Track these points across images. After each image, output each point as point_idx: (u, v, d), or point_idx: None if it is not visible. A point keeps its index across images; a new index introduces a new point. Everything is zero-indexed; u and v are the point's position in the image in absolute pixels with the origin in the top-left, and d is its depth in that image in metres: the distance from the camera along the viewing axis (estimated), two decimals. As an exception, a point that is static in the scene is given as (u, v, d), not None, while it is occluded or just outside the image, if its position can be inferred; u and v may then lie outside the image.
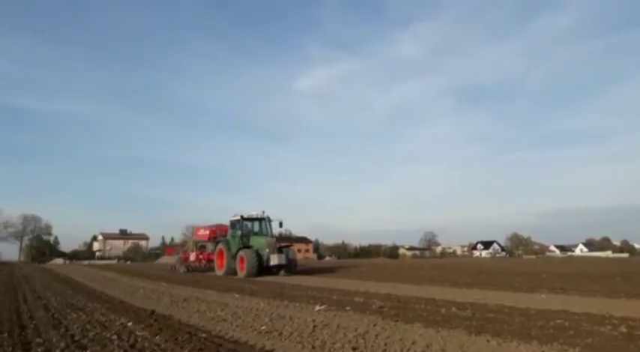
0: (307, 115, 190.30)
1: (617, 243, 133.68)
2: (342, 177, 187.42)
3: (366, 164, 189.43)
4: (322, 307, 9.66)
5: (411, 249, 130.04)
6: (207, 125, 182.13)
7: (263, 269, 22.59)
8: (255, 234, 25.16)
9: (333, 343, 6.21)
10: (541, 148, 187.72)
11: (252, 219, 25.64)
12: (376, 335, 6.57)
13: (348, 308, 9.63)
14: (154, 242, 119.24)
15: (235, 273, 23.38)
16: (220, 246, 25.41)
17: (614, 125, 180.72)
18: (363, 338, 6.41)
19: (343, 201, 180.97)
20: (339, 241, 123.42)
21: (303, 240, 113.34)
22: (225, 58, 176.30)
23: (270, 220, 25.27)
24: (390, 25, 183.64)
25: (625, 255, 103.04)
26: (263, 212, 25.37)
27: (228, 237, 25.44)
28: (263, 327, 7.50)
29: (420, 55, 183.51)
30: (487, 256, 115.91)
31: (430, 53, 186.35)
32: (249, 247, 23.52)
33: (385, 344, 6.03)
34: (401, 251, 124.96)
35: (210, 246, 29.38)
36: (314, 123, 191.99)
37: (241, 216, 25.04)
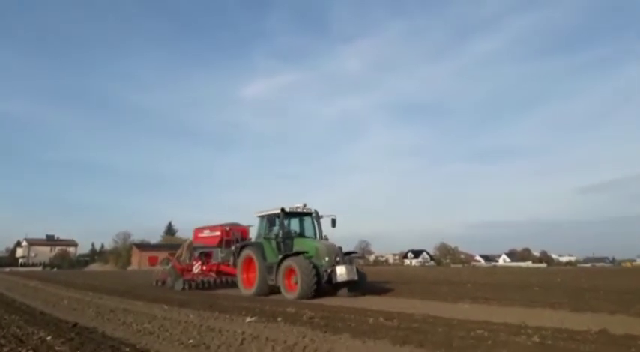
0: (252, 124, 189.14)
1: (536, 253, 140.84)
2: (285, 186, 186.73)
3: (309, 173, 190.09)
4: (253, 318, 9.62)
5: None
6: (146, 129, 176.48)
7: (322, 286, 15.06)
8: (300, 235, 17.54)
9: (261, 356, 6.22)
10: (472, 162, 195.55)
11: (295, 214, 17.76)
12: (304, 347, 6.63)
13: (279, 319, 9.64)
14: (83, 248, 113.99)
15: (271, 291, 16.30)
16: (248, 252, 17.36)
17: (537, 143, 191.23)
18: (291, 351, 6.46)
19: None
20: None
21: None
22: (170, 63, 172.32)
23: (319, 216, 17.63)
24: (334, 40, 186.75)
25: (543, 265, 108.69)
26: (305, 205, 17.51)
27: (257, 239, 17.73)
28: (190, 341, 7.37)
29: (362, 70, 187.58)
30: (417, 264, 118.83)
31: (371, 69, 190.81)
32: (294, 255, 15.64)
33: (312, 357, 6.10)
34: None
35: (219, 254, 21.79)
36: (259, 132, 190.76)
37: (282, 210, 16.83)
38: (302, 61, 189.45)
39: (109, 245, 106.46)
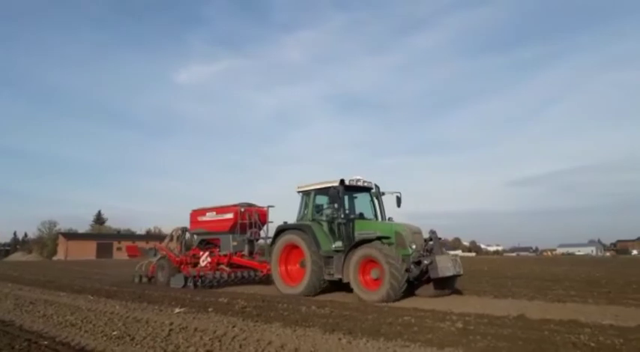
0: (190, 110, 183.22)
1: (466, 243, 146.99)
2: (225, 175, 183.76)
3: (251, 163, 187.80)
4: (182, 309, 9.41)
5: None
6: (68, 111, 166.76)
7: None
8: (361, 217, 13.38)
9: (187, 347, 6.09)
10: (410, 156, 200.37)
11: (356, 189, 13.65)
12: (233, 337, 6.55)
13: (210, 309, 9.49)
14: (4, 237, 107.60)
15: (317, 289, 12.56)
16: (291, 238, 13.25)
17: (470, 138, 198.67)
18: (220, 341, 6.36)
19: (224, 200, 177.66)
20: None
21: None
22: (103, 44, 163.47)
23: (380, 193, 13.85)
24: (276, 28, 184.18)
25: (472, 254, 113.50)
26: (360, 180, 13.47)
27: (303, 221, 13.50)
28: (115, 332, 7.11)
29: (303, 60, 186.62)
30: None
31: (313, 60, 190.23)
32: (364, 242, 11.64)
33: (240, 346, 6.03)
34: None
35: (230, 242, 17.08)
36: (197, 119, 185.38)
37: (342, 181, 12.82)
38: (241, 48, 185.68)
39: (33, 234, 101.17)
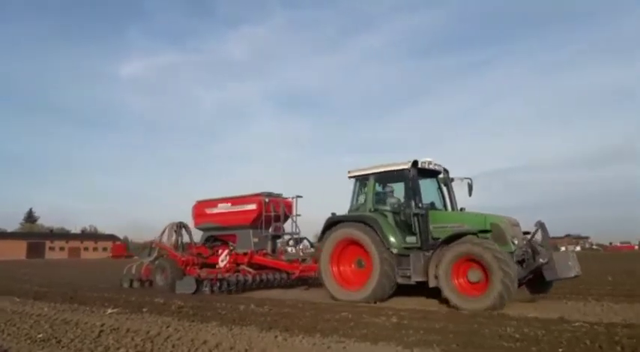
0: (131, 105, 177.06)
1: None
2: (165, 172, 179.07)
3: (193, 160, 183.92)
4: (115, 310, 9.11)
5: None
6: (4, 105, 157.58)
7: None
8: (433, 208, 11.05)
9: (117, 348, 5.90)
10: (355, 154, 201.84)
11: (422, 173, 11.06)
12: (167, 337, 6.40)
13: (144, 309, 9.24)
14: None
15: (386, 294, 10.37)
16: (350, 232, 10.91)
17: (414, 137, 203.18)
18: (152, 341, 6.20)
19: (164, 196, 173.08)
20: (151, 238, 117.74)
21: (111, 238, 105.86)
22: (41, 35, 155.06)
23: (449, 178, 11.59)
24: (219, 23, 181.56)
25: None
26: (431, 162, 11.16)
27: (361, 212, 11.20)
28: (40, 335, 6.78)
29: (248, 56, 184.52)
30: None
31: (258, 56, 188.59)
32: (455, 238, 9.61)
33: (173, 346, 5.91)
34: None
35: (250, 238, 14.57)
36: (138, 114, 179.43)
37: (415, 163, 10.67)
38: (184, 42, 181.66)
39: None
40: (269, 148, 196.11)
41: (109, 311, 9.02)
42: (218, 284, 12.90)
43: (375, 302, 9.97)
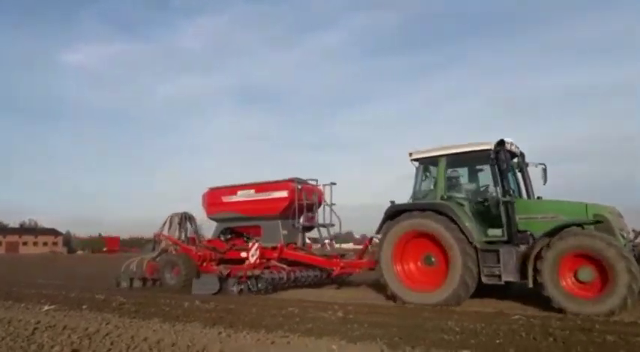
0: (78, 94, 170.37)
1: (357, 236, 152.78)
2: (112, 165, 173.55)
3: (142, 152, 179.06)
4: (52, 307, 8.75)
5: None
6: None
7: None
8: (512, 192, 9.42)
9: (52, 346, 5.65)
10: (311, 150, 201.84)
11: (512, 154, 9.62)
12: (106, 334, 6.20)
13: (84, 306, 8.91)
14: None
15: (468, 295, 8.81)
16: (421, 224, 9.27)
17: (365, 136, 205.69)
18: (89, 339, 5.98)
19: (108, 190, 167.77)
20: (95, 233, 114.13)
21: (53, 232, 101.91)
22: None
23: (525, 163, 10.07)
24: (175, 13, 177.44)
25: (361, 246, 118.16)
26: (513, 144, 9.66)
27: (429, 199, 9.78)
28: (-32, 334, 6.42)
29: (204, 49, 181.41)
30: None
31: (214, 49, 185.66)
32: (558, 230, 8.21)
33: (112, 343, 5.73)
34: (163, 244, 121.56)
35: (278, 229, 12.91)
36: (86, 104, 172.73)
37: (502, 142, 9.17)
38: (138, 32, 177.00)
39: None
40: (225, 142, 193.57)
41: (46, 308, 8.66)
42: (248, 283, 11.30)
43: (457, 305, 8.62)
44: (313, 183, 13.58)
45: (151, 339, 5.89)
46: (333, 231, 13.76)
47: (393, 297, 9.03)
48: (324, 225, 13.61)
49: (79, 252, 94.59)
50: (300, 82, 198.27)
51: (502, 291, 9.41)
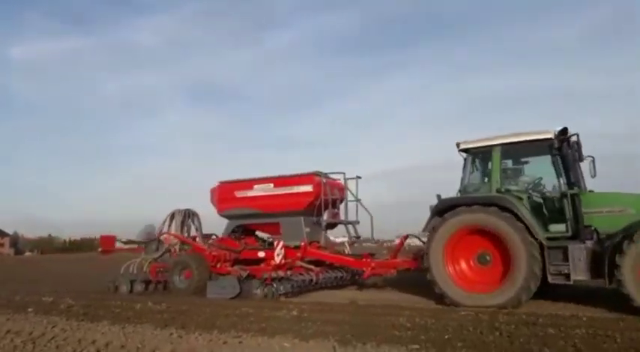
0: (23, 89, 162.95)
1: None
2: (57, 163, 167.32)
3: (91, 150, 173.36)
4: (-6, 311, 8.40)
5: (129, 242, 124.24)
6: None
7: None
8: (574, 185, 8.60)
9: (-7, 351, 5.46)
10: (268, 150, 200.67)
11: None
12: (52, 338, 6.02)
13: (30, 309, 8.59)
14: None
15: (529, 296, 8.06)
16: (478, 219, 8.53)
17: (323, 135, 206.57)
18: (34, 342, 5.80)
19: (54, 189, 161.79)
20: (45, 234, 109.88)
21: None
22: None
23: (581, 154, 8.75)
24: (127, 8, 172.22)
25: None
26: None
27: (481, 192, 9.08)
28: None
29: (158, 45, 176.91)
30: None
31: (169, 45, 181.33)
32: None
33: (57, 347, 5.58)
34: (117, 245, 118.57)
35: (301, 226, 11.93)
36: (31, 99, 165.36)
37: (563, 131, 8.59)
38: (87, 26, 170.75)
39: None
40: (178, 141, 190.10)
41: (-14, 312, 8.30)
42: (274, 285, 10.21)
43: (517, 307, 7.88)
44: (338, 176, 12.58)
45: (99, 342, 5.77)
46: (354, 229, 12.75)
47: (444, 300, 8.38)
48: (348, 222, 12.64)
49: (28, 254, 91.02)
50: (257, 80, 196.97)
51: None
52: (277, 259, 11.12)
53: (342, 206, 12.84)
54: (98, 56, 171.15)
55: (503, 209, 8.20)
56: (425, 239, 9.34)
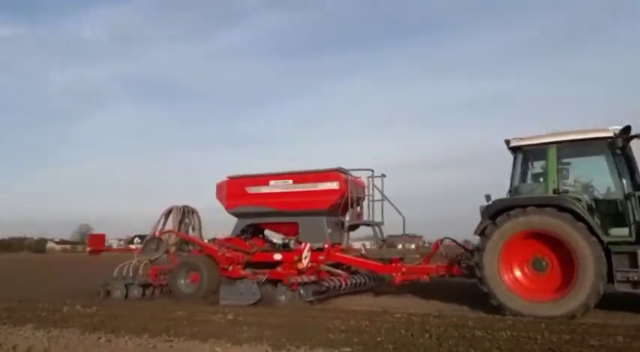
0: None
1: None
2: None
3: (23, 146, 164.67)
4: None
5: (62, 242, 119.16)
6: None
7: None
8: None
9: None
10: (220, 147, 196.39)
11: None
12: (-33, 343, 5.69)
13: (-54, 313, 8.07)
14: None
15: (595, 303, 7.55)
16: (541, 222, 7.91)
17: (277, 135, 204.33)
18: (-55, 349, 5.46)
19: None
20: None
21: None
22: None
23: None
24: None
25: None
26: None
27: (535, 193, 8.56)
28: None
29: (104, 38, 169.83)
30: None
31: (115, 39, 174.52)
32: None
33: (-27, 353, 5.27)
34: (49, 244, 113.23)
35: (324, 226, 11.07)
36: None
37: (626, 129, 8.02)
38: (31, 16, 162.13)
39: None
40: (123, 137, 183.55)
41: None
42: (301, 291, 9.37)
43: (582, 315, 7.43)
44: (362, 173, 11.60)
45: (20, 347, 5.55)
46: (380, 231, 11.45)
47: (501, 309, 7.81)
48: (373, 224, 11.39)
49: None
50: (208, 77, 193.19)
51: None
52: (305, 262, 10.18)
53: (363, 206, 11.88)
54: (42, 47, 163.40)
55: (563, 210, 7.73)
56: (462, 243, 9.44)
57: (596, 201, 8.39)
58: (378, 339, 5.66)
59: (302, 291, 9.32)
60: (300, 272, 10.00)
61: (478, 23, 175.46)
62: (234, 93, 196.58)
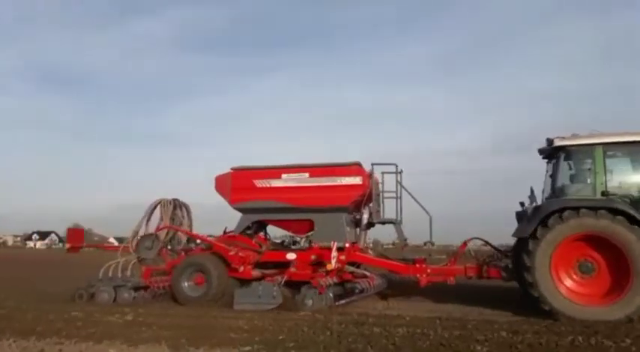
0: None
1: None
2: None
3: None
4: None
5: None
6: None
7: None
8: None
9: None
10: (117, 143, 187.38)
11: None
12: None
13: None
14: None
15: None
16: (595, 225, 7.72)
17: (183, 132, 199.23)
18: None
19: None
20: None
21: None
22: None
23: None
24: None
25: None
26: None
27: (582, 194, 8.30)
28: None
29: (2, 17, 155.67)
30: (43, 247, 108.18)
31: (17, 19, 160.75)
32: None
33: None
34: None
35: (343, 225, 10.08)
36: None
37: None
38: None
39: None
40: (12, 129, 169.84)
41: None
42: (331, 294, 8.64)
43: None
44: (387, 168, 10.70)
45: None
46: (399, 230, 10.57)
47: (553, 315, 7.53)
48: (393, 222, 10.56)
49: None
50: (114, 69, 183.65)
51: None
52: (333, 263, 9.23)
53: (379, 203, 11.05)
54: None
55: (615, 212, 7.62)
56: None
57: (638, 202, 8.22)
58: (280, 337, 5.74)
59: (330, 294, 8.67)
60: (326, 274, 9.23)
61: (405, 32, 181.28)
62: (141, 87, 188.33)
